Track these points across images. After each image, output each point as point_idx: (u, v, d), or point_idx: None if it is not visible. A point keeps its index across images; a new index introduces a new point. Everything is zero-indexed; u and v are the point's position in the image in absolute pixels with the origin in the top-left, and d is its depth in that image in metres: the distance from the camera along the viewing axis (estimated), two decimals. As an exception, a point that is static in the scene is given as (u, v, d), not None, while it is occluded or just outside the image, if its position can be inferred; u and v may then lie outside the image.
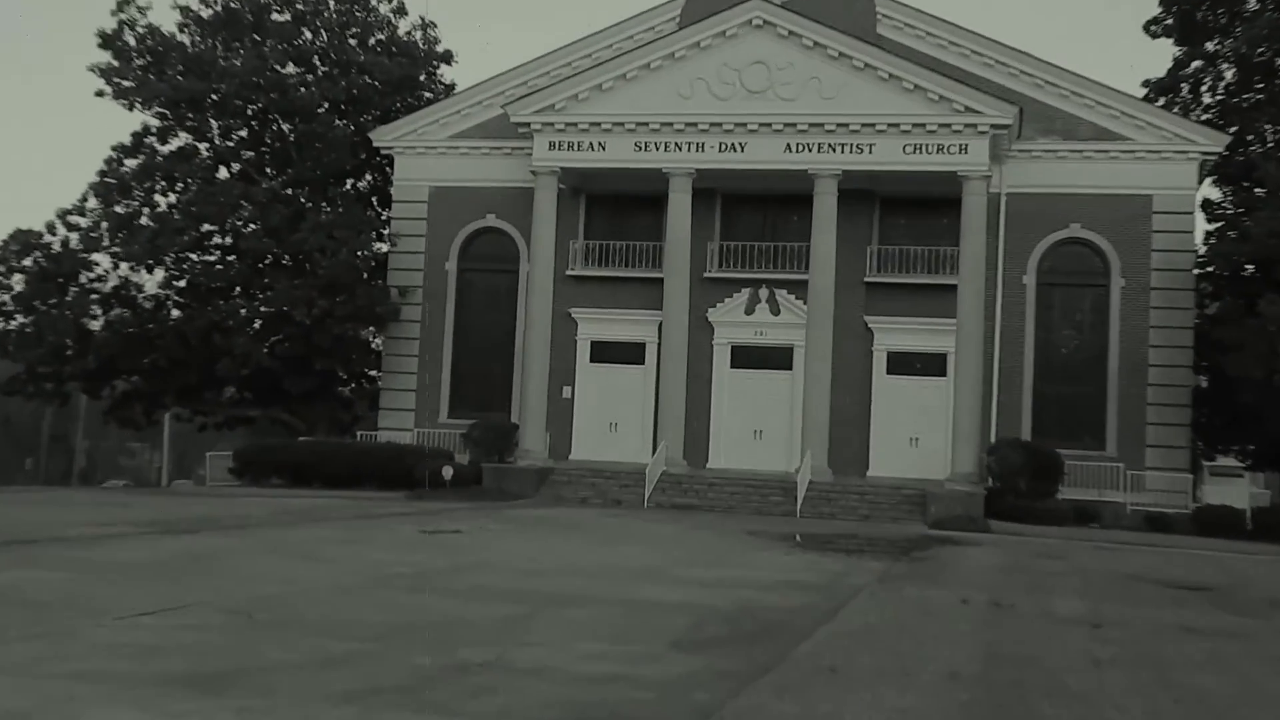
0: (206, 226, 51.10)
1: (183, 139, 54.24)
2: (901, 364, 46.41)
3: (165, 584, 17.36)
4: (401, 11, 57.16)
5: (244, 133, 54.40)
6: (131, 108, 53.16)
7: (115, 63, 52.66)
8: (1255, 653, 15.44)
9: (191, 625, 13.86)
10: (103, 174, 52.50)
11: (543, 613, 16.03)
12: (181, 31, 53.76)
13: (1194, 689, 12.67)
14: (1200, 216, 47.06)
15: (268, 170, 53.69)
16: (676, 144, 45.31)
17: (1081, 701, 11.71)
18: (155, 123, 53.73)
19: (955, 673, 12.78)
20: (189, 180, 52.20)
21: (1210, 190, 48.52)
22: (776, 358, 47.00)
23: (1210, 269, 46.28)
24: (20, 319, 50.21)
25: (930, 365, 45.94)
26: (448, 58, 58.15)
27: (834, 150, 44.18)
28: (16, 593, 15.81)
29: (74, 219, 51.53)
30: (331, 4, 55.43)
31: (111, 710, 9.53)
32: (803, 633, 15.19)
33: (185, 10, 53.92)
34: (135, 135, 53.52)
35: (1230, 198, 48.29)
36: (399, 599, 17.01)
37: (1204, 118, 47.54)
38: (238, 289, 50.46)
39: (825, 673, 12.49)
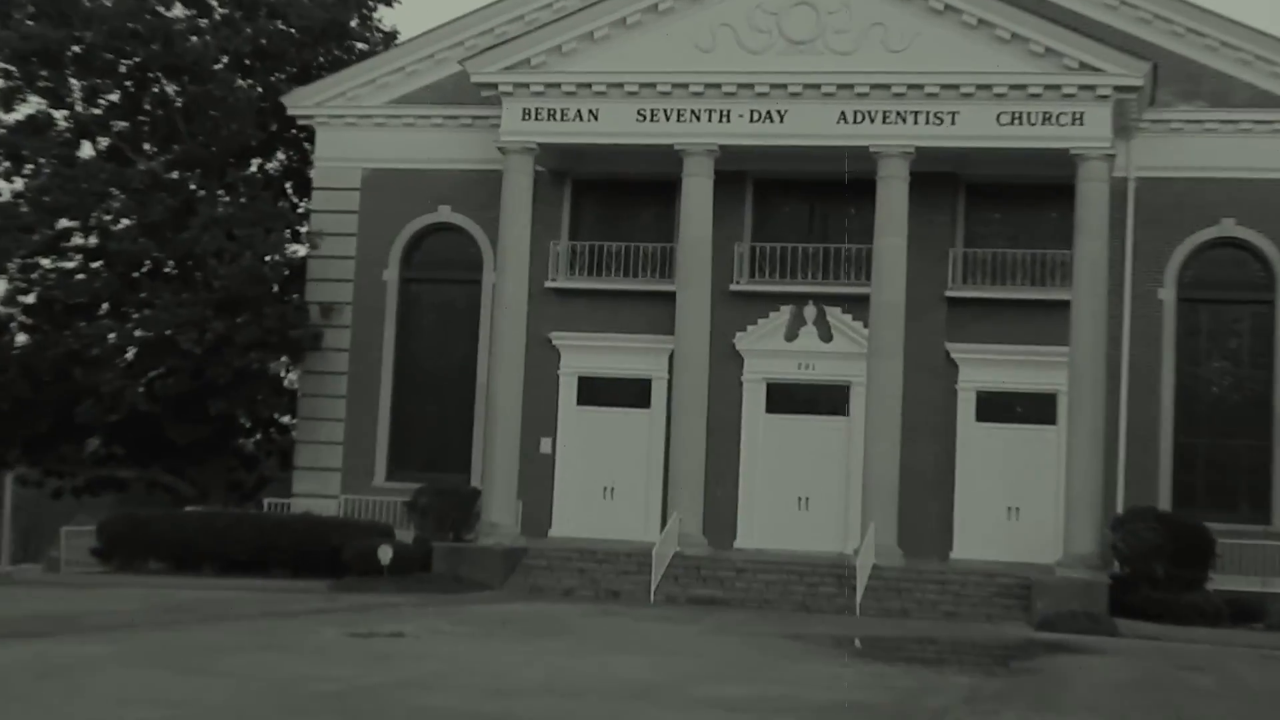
0: (64, 222, 51.12)
1: (34, 104, 54.07)
2: (996, 408, 46.40)
3: (7, 708, 17.23)
4: (322, -60, 56.97)
5: (115, 96, 54.37)
6: (-38, 65, 53.05)
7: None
8: None
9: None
10: (-71, 152, 52.49)
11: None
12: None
13: None
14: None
15: (147, 147, 53.60)
16: (694, 112, 45.13)
17: None
18: (-1, 85, 53.83)
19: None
20: (41, 160, 52.10)
21: None
22: (828, 399, 47.09)
23: None
24: None
25: (1035, 410, 45.92)
26: (389, -1, 58.30)
27: (904, 120, 44.03)
28: None
29: (-119, 210, 51.40)
30: (228, -72, 55.34)
31: None
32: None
33: (33, -67, 53.58)
34: (-30, 103, 53.57)
35: None
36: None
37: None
38: (106, 306, 50.32)
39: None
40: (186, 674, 21.45)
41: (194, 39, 52.77)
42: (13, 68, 52.77)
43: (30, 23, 51.69)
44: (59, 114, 54.17)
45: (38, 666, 21.58)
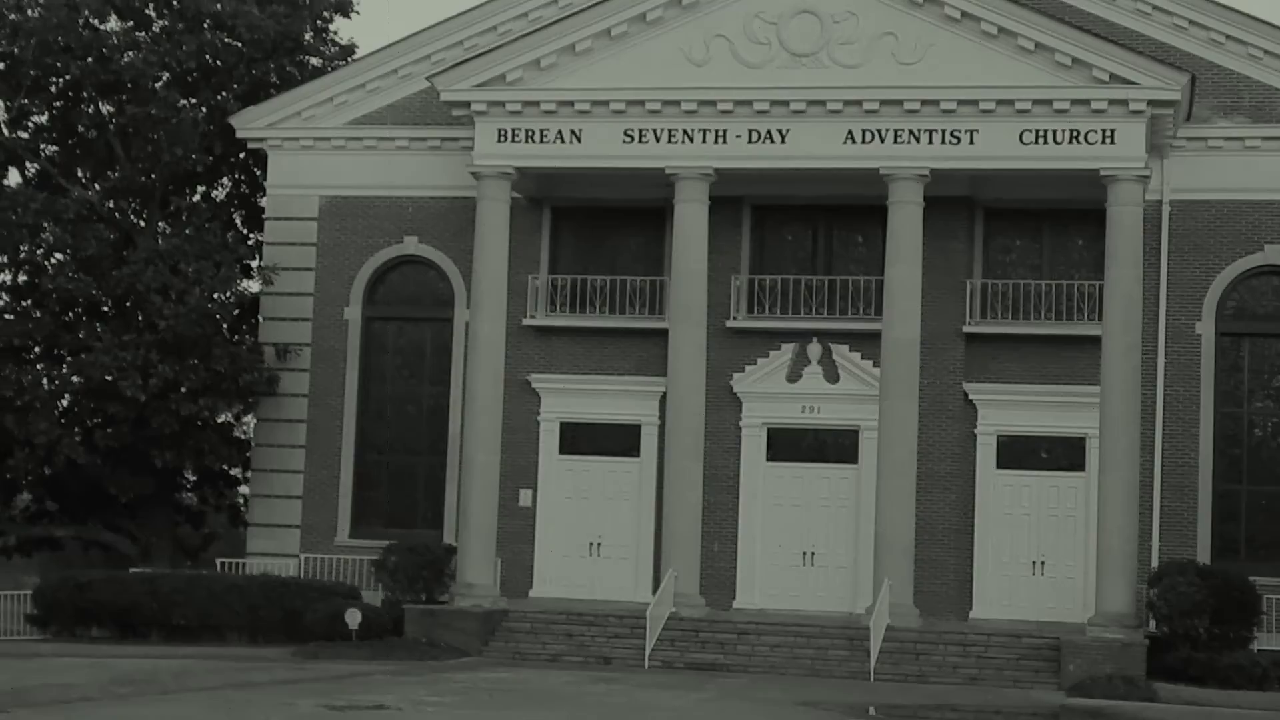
0: (-8, 256, 51.03)
1: (-47, 129, 54.14)
2: (1020, 454, 46.45)
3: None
4: (274, -57, 56.93)
5: (45, 118, 54.53)
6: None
7: None
8: None
9: None
10: None
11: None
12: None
13: None
14: None
15: (80, 173, 53.58)
16: (686, 132, 45.04)
17: None
18: (-87, 105, 53.60)
19: None
20: (-36, 190, 52.11)
21: None
22: (835, 446, 47.20)
23: None
24: None
25: (1062, 455, 46.05)
26: (345, 6, 57.92)
27: (917, 139, 43.96)
28: None
29: None
30: (173, -69, 55.24)
31: None
32: None
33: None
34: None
35: None
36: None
37: None
38: (38, 350, 50.35)
39: None
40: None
41: (131, 54, 52.55)
42: (-70, 88, 52.73)
43: (-48, 36, 51.58)
44: (-16, 139, 54.09)
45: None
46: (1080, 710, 34.06)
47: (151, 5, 54.56)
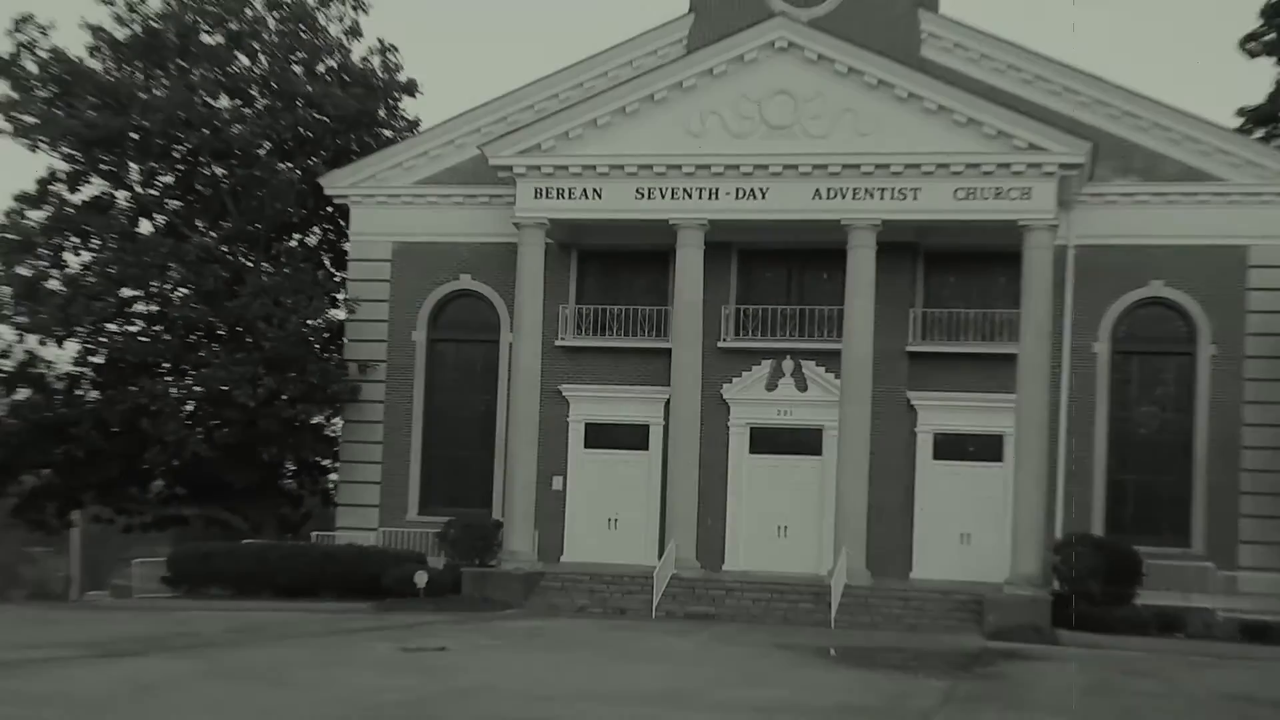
0: (128, 291, 50.98)
1: (97, 186, 54.06)
2: (951, 448, 46.49)
3: (123, 720, 17.41)
4: (356, 33, 56.96)
5: (170, 178, 54.50)
6: (35, 148, 52.69)
7: (14, 94, 52.23)
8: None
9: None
10: (2, 228, 52.23)
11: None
12: (93, 56, 53.33)
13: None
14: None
15: (199, 223, 53.52)
16: (686, 190, 45.13)
17: None
18: (64, 166, 53.51)
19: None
20: (106, 236, 52.14)
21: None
22: (804, 441, 47.09)
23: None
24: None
25: (985, 449, 46.05)
26: (411, 89, 58.10)
27: (872, 196, 43.96)
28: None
29: (-36, 283, 51.28)
30: (272, 24, 55.13)
31: None
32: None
33: (97, 31, 53.17)
34: (40, 181, 53.37)
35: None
36: (396, 735, 17.10)
37: (1311, 152, 47.74)
38: (167, 365, 50.36)
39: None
40: (271, 686, 21.62)
41: (239, 127, 52.64)
42: (78, 153, 52.67)
43: (93, 112, 51.50)
44: (120, 194, 54.22)
45: (135, 682, 21.67)
46: (997, 651, 34.25)
47: (255, 86, 54.59)
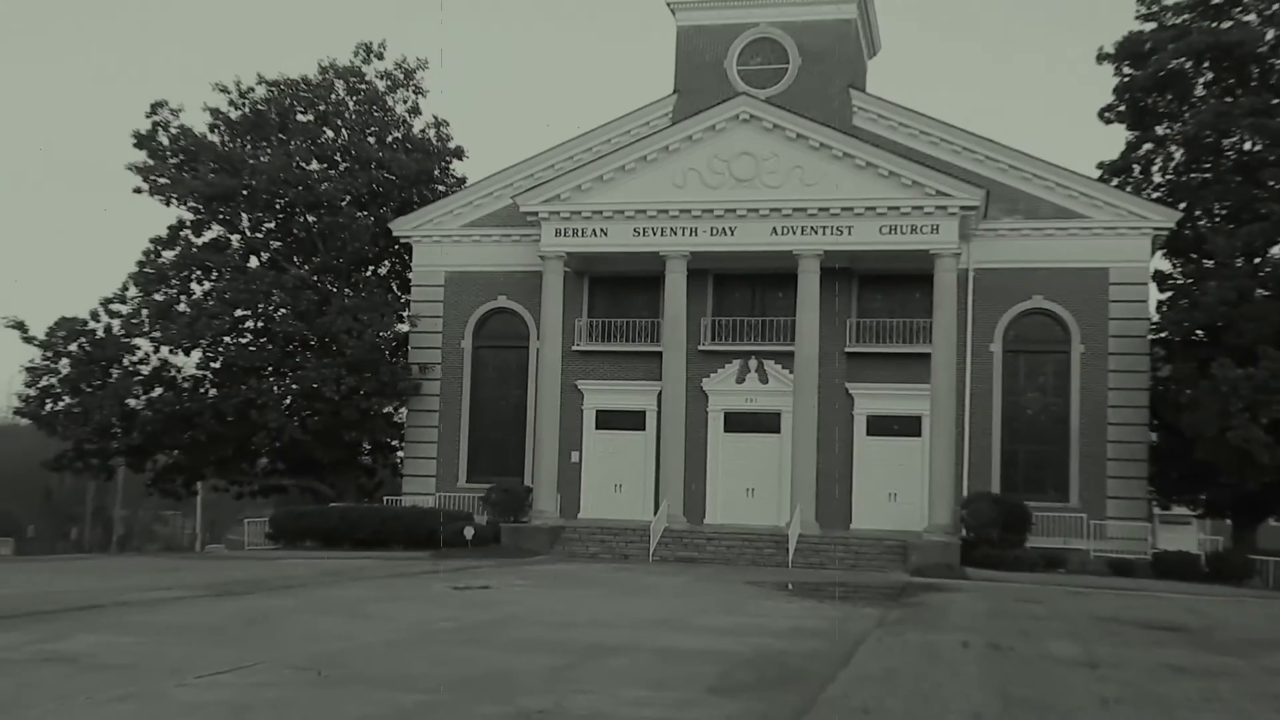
0: (240, 311, 50.70)
1: (216, 231, 53.98)
2: (880, 426, 46.18)
3: (232, 644, 17.23)
4: (416, 111, 56.80)
5: (272, 224, 54.29)
6: (168, 203, 52.84)
7: (151, 161, 52.49)
8: (1248, 691, 15.37)
9: (268, 683, 13.76)
10: (142, 264, 52.20)
11: (585, 663, 15.96)
12: (212, 132, 53.52)
13: (1201, 724, 12.64)
14: (1153, 287, 46.93)
15: (295, 259, 53.34)
16: (672, 229, 45.08)
17: (1099, 737, 11.67)
18: (190, 216, 53.49)
19: (979, 714, 12.73)
20: (222, 269, 52.08)
21: (1161, 262, 48.33)
22: (766, 422, 46.77)
23: (1163, 335, 46.15)
24: (67, 400, 49.89)
25: (906, 427, 45.74)
26: (459, 153, 57.94)
27: (816, 232, 44.01)
28: (94, 657, 15.65)
29: (115, 307, 51.11)
30: (351, 105, 55.20)
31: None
32: (824, 676, 15.15)
33: (215, 112, 53.60)
34: (171, 228, 53.31)
35: (1180, 269, 48.29)
36: (450, 652, 16.90)
37: (1155, 196, 47.55)
38: (270, 369, 50.09)
39: (859, 715, 12.43)
40: (350, 617, 21.44)
41: (326, 185, 52.56)
42: (200, 206, 52.81)
43: (212, 175, 51.66)
44: (234, 237, 54.09)
45: (245, 614, 21.57)
46: (919, 585, 34.06)
47: (338, 153, 54.41)
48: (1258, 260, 45.46)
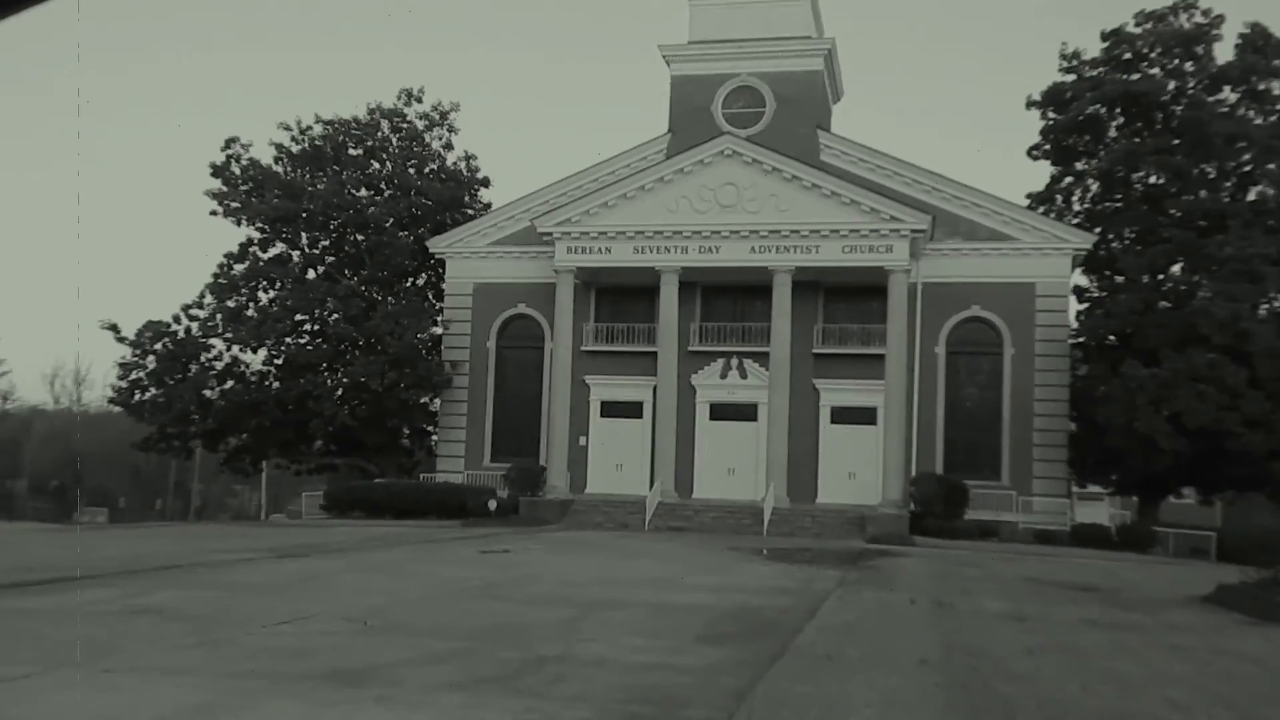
0: (299, 316, 50.73)
1: (279, 248, 53.92)
2: (842, 416, 45.98)
3: (292, 598, 17.22)
4: (449, 147, 56.55)
5: (327, 243, 54.13)
6: (239, 223, 52.89)
7: (224, 188, 52.51)
8: (1152, 642, 15.37)
9: (322, 632, 13.76)
10: (216, 276, 52.20)
11: (590, 615, 15.93)
12: (276, 164, 53.46)
13: (1112, 671, 12.63)
14: (1072, 299, 47.02)
15: (346, 272, 53.24)
16: (666, 248, 45.05)
17: (1027, 681, 11.67)
18: (257, 235, 53.46)
19: (924, 659, 12.73)
20: (284, 280, 52.07)
21: (1080, 278, 48.41)
22: (745, 412, 46.55)
23: (1081, 340, 46.34)
24: (153, 391, 49.99)
25: (864, 417, 45.49)
26: (486, 183, 57.59)
27: (788, 251, 44.00)
28: (178, 609, 15.66)
29: (194, 312, 51.05)
30: (394, 141, 55.12)
31: (278, 703, 9.45)
32: (794, 628, 15.13)
33: (280, 147, 53.70)
34: (241, 245, 53.33)
35: (1096, 284, 48.47)
36: (476, 606, 16.89)
37: (1075, 221, 47.60)
38: (324, 365, 49.98)
39: (824, 660, 12.43)
40: (390, 576, 21.39)
41: (373, 209, 52.74)
42: (266, 227, 52.88)
43: (276, 200, 51.64)
44: (294, 253, 53.96)
45: (302, 574, 21.54)
46: (874, 551, 34.04)
47: (383, 182, 54.27)
48: (1161, 277, 45.79)
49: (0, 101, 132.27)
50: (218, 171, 52.64)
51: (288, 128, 54.20)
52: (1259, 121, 46.21)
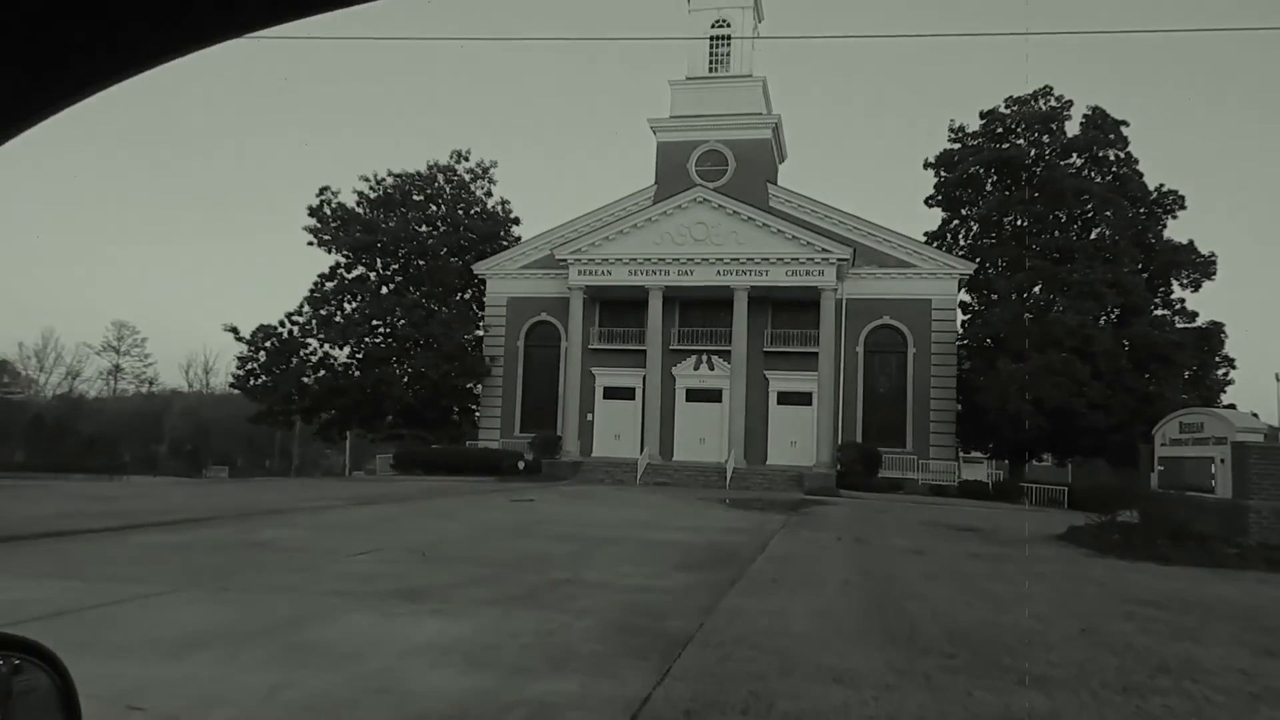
0: (374, 322, 50.36)
1: (359, 270, 53.43)
2: (785, 399, 45.75)
3: (367, 536, 17.07)
4: (489, 194, 56.10)
5: (396, 266, 53.69)
6: (329, 252, 52.58)
7: (319, 225, 52.25)
8: (1021, 570, 15.27)
9: (391, 560, 13.61)
10: (312, 291, 51.90)
11: (594, 550, 15.79)
12: (358, 206, 53.03)
13: (989, 591, 12.55)
14: (959, 312, 46.92)
15: (410, 288, 52.93)
16: (653, 271, 44.80)
17: (924, 599, 11.58)
18: (343, 260, 53.02)
19: (847, 581, 12.64)
20: (364, 294, 51.63)
21: (964, 296, 48.44)
22: (712, 396, 46.29)
23: (965, 342, 46.30)
24: (263, 378, 49.81)
25: (802, 399, 45.30)
26: (516, 221, 57.09)
27: (745, 274, 43.80)
28: (278, 543, 15.44)
29: (295, 318, 50.78)
30: (447, 190, 54.67)
31: (356, 614, 9.33)
32: (749, 559, 15.03)
33: (360, 194, 53.44)
34: (331, 268, 52.94)
35: (977, 300, 48.48)
36: (507, 542, 16.74)
37: (960, 254, 47.48)
38: (394, 359, 49.72)
39: (770, 583, 12.33)
40: (441, 519, 21.17)
41: (430, 240, 52.51)
42: (350, 254, 52.47)
43: (358, 234, 51.41)
44: (371, 274, 53.37)
45: (375, 516, 21.32)
46: (810, 501, 33.70)
47: (439, 221, 53.94)
48: (1026, 296, 45.77)
49: (156, 152, 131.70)
50: (314, 212, 52.33)
51: (366, 179, 54.11)
52: (1099, 180, 46.32)
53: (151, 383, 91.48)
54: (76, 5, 0.77)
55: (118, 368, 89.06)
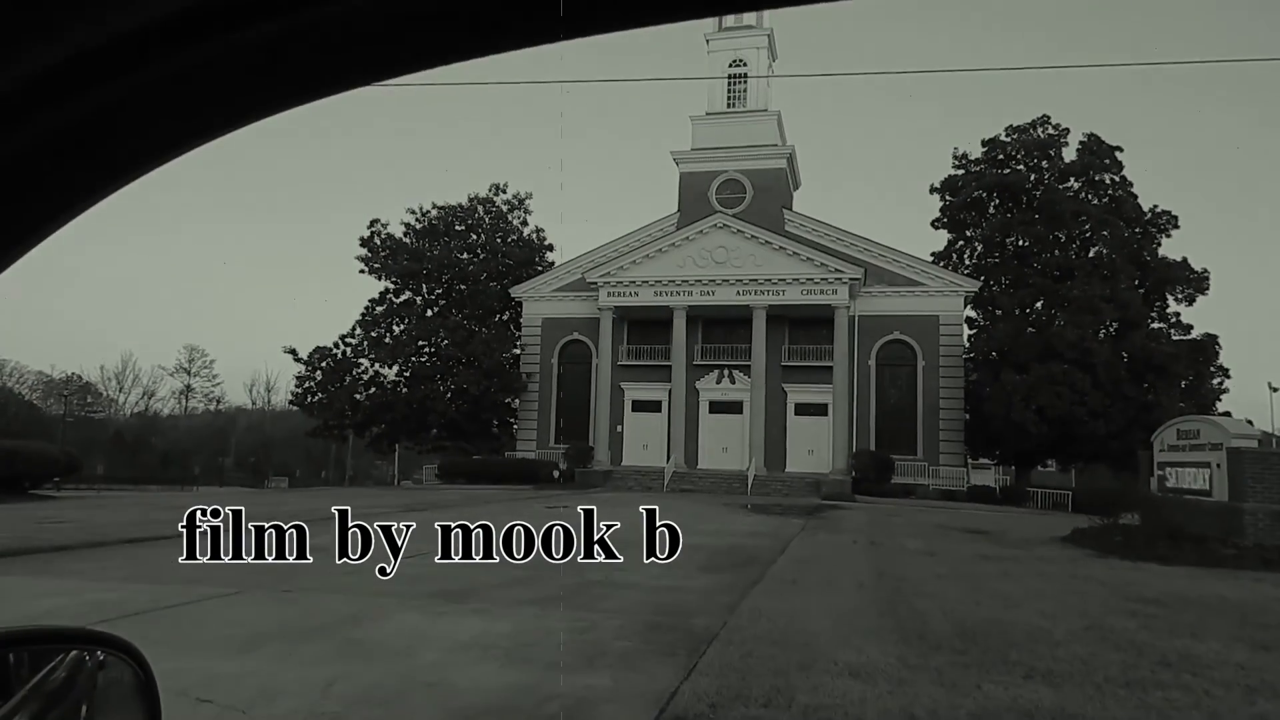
0: (421, 343, 50.57)
1: (407, 295, 53.72)
2: (803, 410, 45.50)
3: (415, 540, 17.08)
4: (524, 223, 56.38)
5: (440, 291, 53.94)
6: (379, 278, 52.81)
7: (369, 254, 52.58)
8: (1028, 570, 15.05)
9: (435, 564, 13.64)
10: (364, 315, 52.16)
11: (624, 552, 15.72)
12: (405, 236, 53.27)
13: (998, 590, 12.38)
14: (965, 327, 46.54)
15: (453, 310, 53.13)
16: (677, 292, 44.80)
17: (936, 598, 11.45)
18: (392, 286, 53.23)
19: (862, 583, 12.52)
20: (411, 317, 51.91)
21: (970, 312, 47.98)
22: (734, 408, 46.16)
23: (971, 355, 45.91)
24: (319, 395, 50.18)
25: (819, 410, 45.02)
26: (550, 248, 57.32)
27: (764, 294, 43.74)
28: (334, 546, 15.50)
29: (348, 340, 51.12)
30: (486, 220, 54.80)
31: (405, 614, 9.36)
32: (769, 561, 14.92)
33: (407, 225, 53.58)
34: (381, 293, 53.16)
35: (982, 316, 48.02)
36: (544, 545, 16.70)
37: (966, 272, 47.08)
38: (439, 376, 49.94)
39: (790, 583, 12.24)
40: (488, 519, 21.24)
41: (471, 267, 52.59)
42: (398, 280, 52.69)
43: (405, 262, 51.70)
44: (418, 299, 53.62)
45: (425, 522, 21.31)
46: (827, 505, 33.33)
47: (479, 249, 54.17)
48: (1028, 311, 45.32)
49: (229, 205, 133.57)
50: (364, 243, 52.68)
51: (413, 211, 54.24)
52: (1095, 202, 45.85)
53: (219, 401, 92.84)
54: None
55: (189, 388, 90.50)
